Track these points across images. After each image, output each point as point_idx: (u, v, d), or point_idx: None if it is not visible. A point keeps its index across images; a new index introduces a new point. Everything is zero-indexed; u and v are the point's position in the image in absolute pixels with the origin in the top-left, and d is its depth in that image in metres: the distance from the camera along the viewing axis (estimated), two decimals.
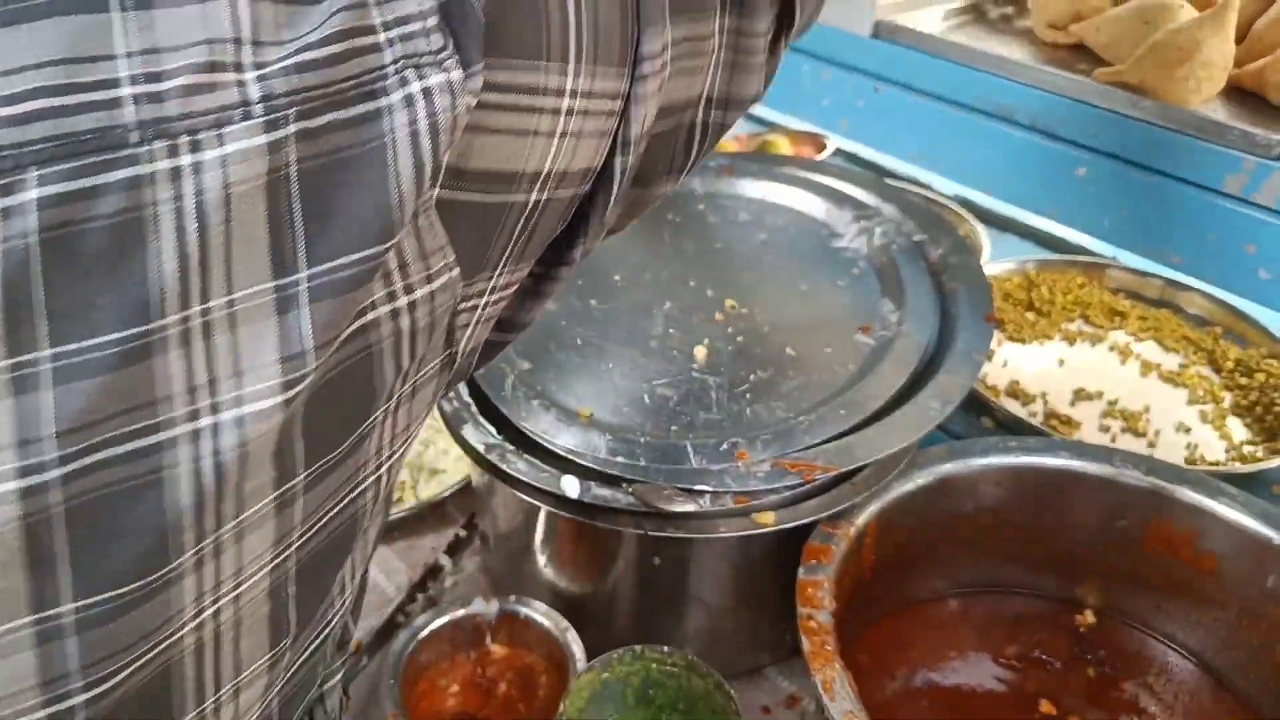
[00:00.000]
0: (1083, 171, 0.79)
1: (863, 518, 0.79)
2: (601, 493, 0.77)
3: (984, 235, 1.36)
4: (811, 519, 0.76)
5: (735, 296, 0.94)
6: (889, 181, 1.07)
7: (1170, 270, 0.76)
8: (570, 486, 0.77)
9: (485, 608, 0.88)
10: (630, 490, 0.77)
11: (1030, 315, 1.20)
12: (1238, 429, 1.06)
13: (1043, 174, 0.83)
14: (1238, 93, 0.89)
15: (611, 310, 0.94)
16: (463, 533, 1.06)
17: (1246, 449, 1.02)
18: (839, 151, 1.55)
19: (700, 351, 0.88)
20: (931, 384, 0.82)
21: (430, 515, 1.09)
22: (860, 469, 0.80)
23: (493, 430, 0.85)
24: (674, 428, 0.81)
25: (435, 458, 1.13)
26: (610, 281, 0.98)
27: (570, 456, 0.79)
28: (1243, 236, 0.71)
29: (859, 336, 0.88)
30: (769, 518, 0.76)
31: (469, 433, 0.84)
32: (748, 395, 0.84)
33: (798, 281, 0.96)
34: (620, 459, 0.78)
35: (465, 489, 1.09)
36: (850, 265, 0.96)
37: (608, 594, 0.87)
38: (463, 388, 0.89)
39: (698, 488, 0.76)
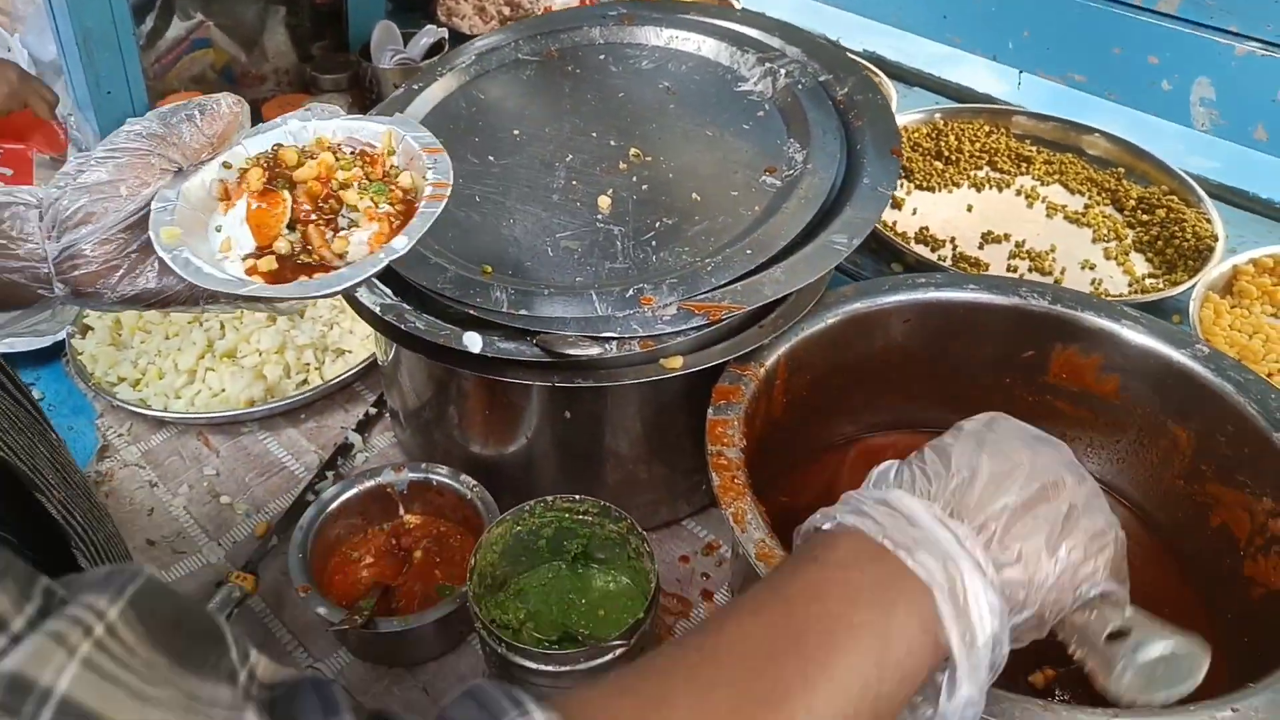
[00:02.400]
0: None
1: (772, 358, 0.78)
2: (506, 346, 0.74)
3: (893, 89, 1.33)
4: (720, 361, 0.75)
5: (639, 145, 0.91)
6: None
7: (1075, 89, 0.75)
8: (472, 341, 0.74)
9: (395, 477, 0.86)
10: (535, 341, 0.74)
11: (939, 164, 1.19)
12: (1140, 264, 1.07)
13: (944, 0, 0.80)
14: None
15: (511, 166, 0.90)
16: (372, 410, 1.03)
17: (1148, 281, 1.04)
18: (743, 10, 1.50)
19: (604, 202, 0.85)
20: (838, 220, 0.80)
21: (338, 396, 1.05)
22: (768, 310, 0.78)
23: (389, 292, 0.81)
24: (579, 279, 0.79)
25: (340, 337, 1.09)
26: (509, 137, 0.94)
27: (472, 312, 0.76)
28: (1146, 48, 0.70)
29: (765, 178, 0.85)
30: (676, 362, 0.74)
31: (364, 295, 0.80)
32: (653, 243, 0.81)
33: (703, 127, 0.92)
34: (523, 311, 0.75)
35: (371, 367, 1.05)
36: (755, 108, 0.93)
37: (523, 455, 0.85)
38: None
39: (604, 335, 0.74)
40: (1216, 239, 1.04)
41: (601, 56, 1.03)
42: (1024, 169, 1.19)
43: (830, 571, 0.47)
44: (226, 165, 0.64)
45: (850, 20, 1.03)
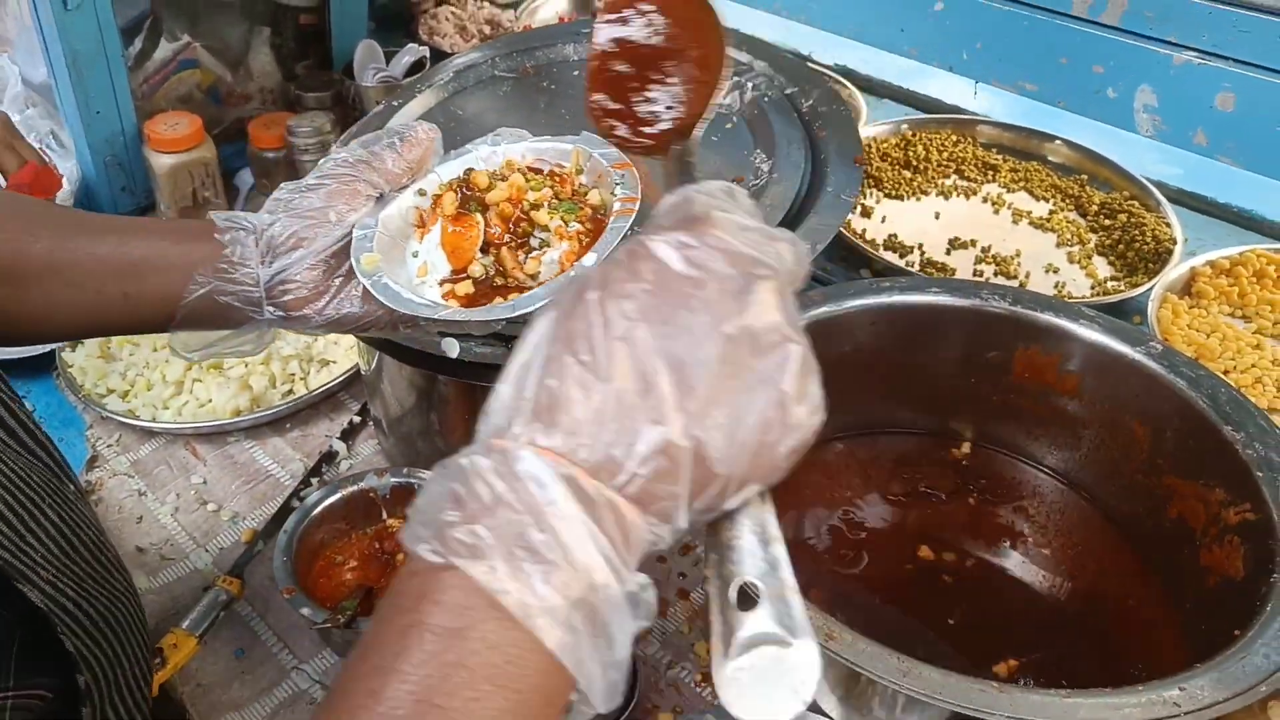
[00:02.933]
0: (940, 7, 0.80)
1: None
2: (482, 350, 0.77)
3: (862, 101, 1.37)
4: None
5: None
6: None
7: (1027, 98, 0.78)
8: (450, 347, 0.77)
9: (378, 482, 0.88)
10: (509, 346, 0.77)
11: (907, 173, 1.22)
12: (1102, 267, 1.10)
13: (903, 12, 0.83)
14: None
15: None
16: (356, 419, 1.06)
17: (1110, 284, 1.07)
18: None
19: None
20: (802, 227, 0.83)
21: (323, 405, 1.08)
22: None
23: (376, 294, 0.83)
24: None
25: (325, 348, 1.11)
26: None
27: (444, 316, 0.79)
28: (1091, 58, 0.73)
29: (737, 187, 0.88)
30: None
31: None
32: None
33: None
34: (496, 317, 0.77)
35: (355, 377, 1.07)
36: (724, 121, 0.96)
37: None
38: None
39: None
40: (1175, 242, 1.07)
41: (575, 73, 1.06)
42: (990, 177, 1.22)
43: (445, 650, 0.35)
44: (421, 192, 0.65)
45: (820, 36, 1.06)
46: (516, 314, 0.57)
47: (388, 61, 1.45)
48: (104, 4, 1.17)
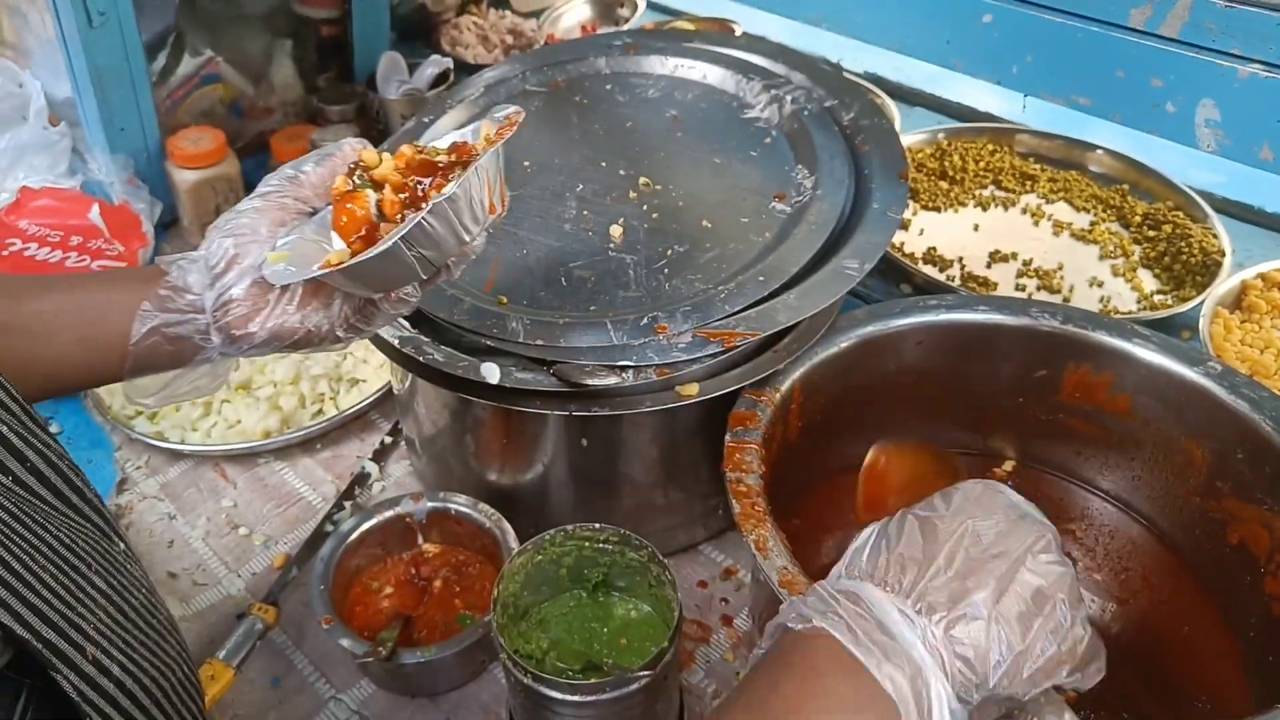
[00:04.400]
0: (988, 19, 0.78)
1: (787, 383, 0.78)
2: (523, 376, 0.75)
3: (895, 109, 1.35)
4: (736, 387, 0.76)
5: (648, 174, 0.92)
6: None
7: (1079, 112, 0.76)
8: (490, 372, 0.75)
9: (414, 507, 0.87)
10: (552, 370, 0.75)
11: (944, 184, 1.20)
12: (1148, 280, 1.08)
13: (948, 25, 0.81)
14: None
15: (522, 196, 0.91)
16: (388, 439, 1.04)
17: (1157, 298, 1.04)
18: (746, 35, 1.52)
19: (616, 231, 0.86)
20: (849, 245, 0.81)
21: (353, 425, 1.06)
22: (782, 335, 0.79)
23: (406, 324, 0.82)
24: (593, 307, 0.79)
25: (354, 367, 1.10)
26: (519, 168, 0.95)
27: (490, 343, 0.77)
28: (1149, 71, 0.71)
29: (774, 204, 0.86)
30: (693, 389, 0.75)
31: (382, 329, 0.81)
32: (665, 270, 0.82)
33: (711, 155, 0.94)
34: (540, 341, 0.76)
35: (386, 396, 1.06)
36: (762, 135, 0.94)
37: (539, 483, 0.85)
38: None
39: (620, 363, 0.74)
40: (1224, 254, 1.04)
41: (608, 86, 1.04)
42: (1029, 187, 1.19)
43: (806, 684, 0.48)
44: None
45: (849, 43, 1.04)
46: (393, 239, 0.57)
47: (410, 73, 1.44)
48: (128, 20, 1.16)
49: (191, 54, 1.31)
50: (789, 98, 0.96)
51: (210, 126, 1.31)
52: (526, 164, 0.95)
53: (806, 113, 0.94)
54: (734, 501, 0.68)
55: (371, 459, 1.01)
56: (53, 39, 1.19)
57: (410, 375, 0.87)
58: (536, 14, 1.67)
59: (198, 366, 0.64)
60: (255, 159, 1.38)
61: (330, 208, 0.64)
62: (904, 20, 0.84)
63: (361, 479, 0.99)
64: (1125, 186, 1.18)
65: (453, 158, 0.63)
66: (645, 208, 0.88)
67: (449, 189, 0.59)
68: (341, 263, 0.59)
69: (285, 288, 0.61)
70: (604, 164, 0.94)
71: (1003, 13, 0.78)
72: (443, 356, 0.77)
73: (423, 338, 0.79)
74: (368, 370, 1.10)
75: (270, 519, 0.97)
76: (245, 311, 0.61)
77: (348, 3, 1.41)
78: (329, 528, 0.93)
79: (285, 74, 1.43)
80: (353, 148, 0.66)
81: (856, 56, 1.46)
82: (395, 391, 1.01)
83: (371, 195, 0.62)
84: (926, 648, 0.48)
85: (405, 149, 0.64)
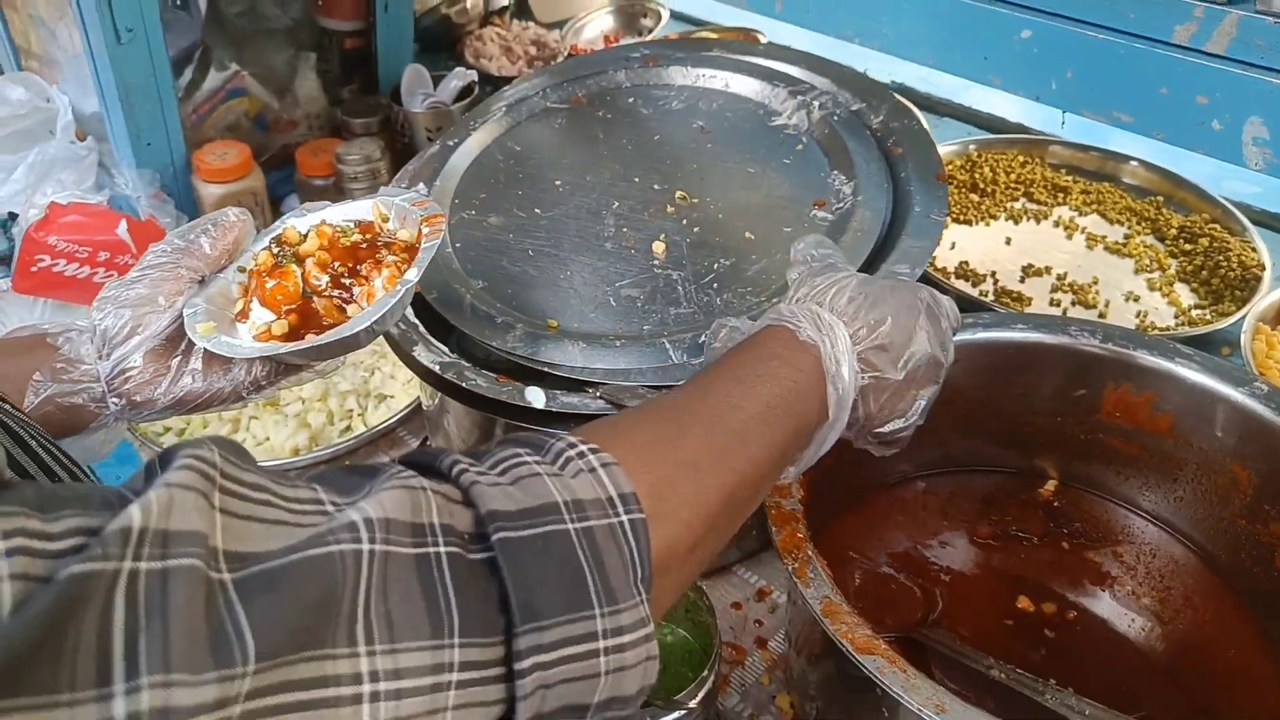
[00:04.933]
0: (1027, 34, 0.77)
1: None
2: (569, 400, 0.74)
3: (923, 120, 1.33)
4: None
5: (684, 187, 0.91)
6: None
7: (1120, 129, 0.75)
8: (535, 397, 0.74)
9: None
10: (600, 394, 0.74)
11: (974, 196, 1.18)
12: (1185, 294, 1.06)
13: (985, 40, 0.80)
14: None
15: (558, 217, 0.90)
16: None
17: (1195, 313, 1.03)
18: (769, 44, 1.51)
19: (659, 247, 0.84)
20: (895, 251, 0.80)
21: (382, 441, 1.06)
22: None
23: (444, 349, 0.81)
24: (646, 327, 0.78)
25: (382, 383, 1.09)
26: (552, 188, 0.94)
27: (545, 370, 0.76)
28: (1194, 88, 0.70)
29: (816, 212, 0.85)
30: None
31: (420, 354, 0.80)
32: (714, 285, 0.81)
33: (743, 165, 0.92)
34: (599, 365, 0.75)
35: (415, 412, 1.05)
36: (793, 142, 0.93)
37: None
38: (409, 310, 0.85)
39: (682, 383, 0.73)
40: (1264, 267, 1.03)
41: (630, 99, 1.04)
42: (1061, 199, 1.18)
43: (756, 346, 0.60)
44: (241, 269, 0.69)
45: (873, 54, 1.03)
46: (360, 328, 0.62)
47: (435, 85, 1.43)
48: (156, 36, 1.16)
49: (217, 68, 1.31)
50: (816, 103, 0.94)
51: (236, 140, 1.31)
52: (559, 183, 0.94)
53: (836, 117, 0.93)
54: (773, 528, 0.67)
55: None
56: (80, 54, 1.19)
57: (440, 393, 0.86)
58: (559, 25, 1.67)
59: (94, 432, 0.66)
60: (280, 172, 1.38)
61: (219, 277, 0.67)
62: (939, 36, 0.83)
63: None
64: (1160, 198, 1.17)
65: (368, 237, 0.68)
66: (685, 222, 0.87)
67: (411, 273, 0.64)
68: (286, 335, 0.63)
69: (184, 355, 0.64)
70: (637, 179, 0.93)
71: (1042, 28, 0.76)
72: (485, 382, 0.76)
73: (464, 363, 0.79)
74: (395, 386, 1.09)
75: None
76: (146, 379, 0.63)
77: (371, 15, 1.41)
78: None
79: (309, 87, 1.43)
80: (237, 217, 0.68)
81: (882, 67, 1.45)
82: (424, 408, 1.00)
83: (296, 270, 0.66)
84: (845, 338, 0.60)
85: (325, 227, 0.68)
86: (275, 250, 0.68)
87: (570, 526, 0.43)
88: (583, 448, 0.47)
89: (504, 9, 1.72)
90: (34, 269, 1.14)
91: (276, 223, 0.71)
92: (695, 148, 0.96)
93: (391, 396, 1.08)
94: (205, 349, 0.63)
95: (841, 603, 0.63)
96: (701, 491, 0.50)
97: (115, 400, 0.63)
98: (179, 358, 0.64)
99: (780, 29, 1.50)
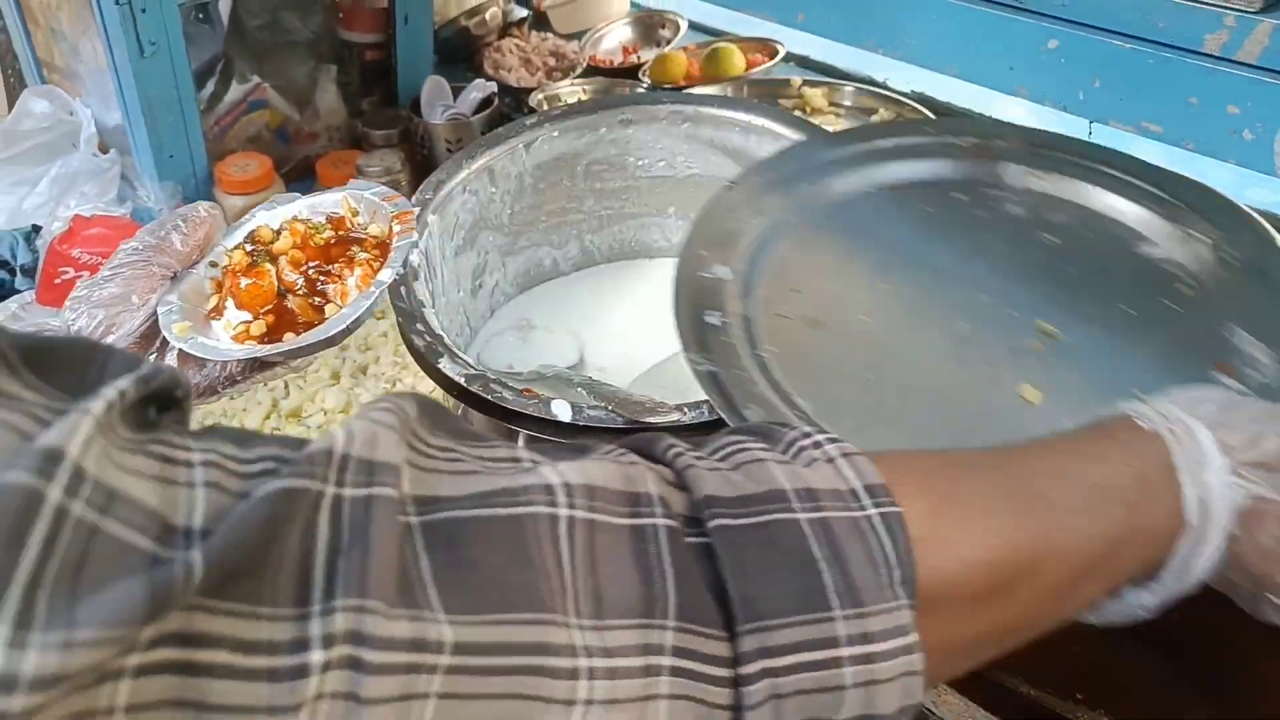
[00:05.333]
0: (1054, 44, 0.76)
1: None
2: (595, 414, 0.74)
3: None
4: None
5: (1046, 319, 0.73)
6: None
7: (1149, 139, 0.74)
8: (561, 410, 0.74)
9: None
10: (611, 408, 0.74)
11: None
12: None
13: (1011, 50, 0.79)
14: None
15: (893, 336, 0.74)
16: None
17: None
18: (790, 56, 1.51)
19: (1031, 393, 0.68)
20: None
21: None
22: None
23: (469, 361, 0.81)
24: None
25: None
26: (876, 291, 0.77)
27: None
28: (1225, 98, 0.69)
29: (1223, 379, 0.68)
30: None
31: (446, 366, 0.80)
32: None
33: (1112, 300, 0.74)
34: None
35: None
36: (1170, 280, 0.76)
37: None
38: (434, 320, 0.85)
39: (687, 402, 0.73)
40: None
41: (955, 193, 0.85)
42: None
43: (1104, 438, 0.49)
44: (213, 264, 0.69)
45: (892, 62, 1.02)
46: (336, 330, 0.62)
47: (454, 97, 1.44)
48: (179, 49, 1.17)
49: (239, 81, 1.32)
50: (1204, 236, 0.78)
51: (257, 152, 1.32)
52: (884, 286, 0.77)
53: (1227, 258, 0.76)
54: None
55: None
56: (103, 68, 1.20)
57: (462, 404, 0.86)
58: (578, 35, 1.67)
59: None
60: (302, 184, 1.38)
61: (191, 273, 0.68)
62: (965, 46, 0.83)
63: None
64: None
65: (339, 233, 0.69)
66: (1055, 362, 0.70)
67: (385, 274, 0.65)
68: (263, 335, 0.64)
69: (159, 353, 0.64)
70: (983, 297, 0.75)
71: (1069, 38, 0.76)
72: (510, 395, 0.76)
73: (490, 374, 0.78)
74: None
75: None
76: None
77: (391, 28, 1.42)
78: None
79: (330, 99, 1.44)
80: (207, 212, 0.68)
81: (902, 75, 1.45)
82: None
83: (270, 269, 0.67)
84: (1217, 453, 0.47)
85: (297, 224, 0.69)
86: (249, 249, 0.68)
87: (800, 516, 0.38)
88: (819, 437, 0.42)
89: (522, 21, 1.72)
90: (58, 281, 1.15)
91: (246, 217, 0.72)
92: (1048, 268, 0.77)
93: None
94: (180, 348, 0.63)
95: None
96: (989, 537, 0.41)
97: None
98: (154, 355, 0.64)
99: (802, 39, 1.51)
